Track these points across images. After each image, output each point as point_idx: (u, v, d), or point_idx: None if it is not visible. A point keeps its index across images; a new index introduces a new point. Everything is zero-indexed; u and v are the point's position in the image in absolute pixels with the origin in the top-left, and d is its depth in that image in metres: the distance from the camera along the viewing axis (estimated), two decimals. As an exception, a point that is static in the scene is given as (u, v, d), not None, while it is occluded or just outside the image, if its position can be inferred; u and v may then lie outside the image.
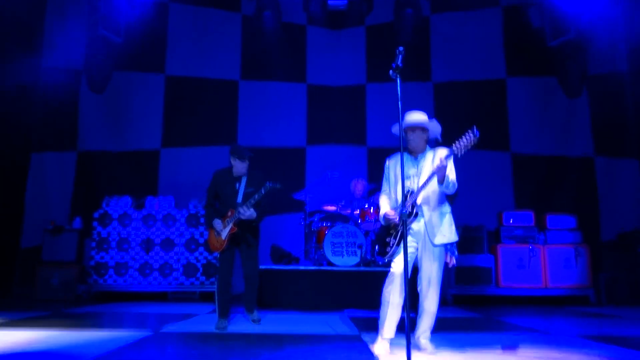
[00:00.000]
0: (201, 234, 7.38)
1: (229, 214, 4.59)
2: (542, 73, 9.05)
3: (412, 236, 3.65)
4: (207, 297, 7.38)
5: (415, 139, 3.69)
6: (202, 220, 7.40)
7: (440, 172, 3.38)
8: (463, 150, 3.29)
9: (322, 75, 9.43)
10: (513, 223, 7.53)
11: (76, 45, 8.40)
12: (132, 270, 7.26)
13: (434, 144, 3.80)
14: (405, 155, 3.76)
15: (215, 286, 4.84)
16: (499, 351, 3.66)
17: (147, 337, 4.15)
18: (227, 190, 4.68)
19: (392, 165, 3.84)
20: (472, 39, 9.23)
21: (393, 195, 3.79)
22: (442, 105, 8.95)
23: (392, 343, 3.59)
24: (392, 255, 3.61)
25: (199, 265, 7.30)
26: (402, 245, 3.49)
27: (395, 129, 3.83)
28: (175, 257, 7.31)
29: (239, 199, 4.62)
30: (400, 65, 3.09)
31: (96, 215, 7.36)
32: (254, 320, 4.91)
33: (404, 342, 2.91)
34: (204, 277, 7.27)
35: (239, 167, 4.67)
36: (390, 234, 3.67)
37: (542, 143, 8.92)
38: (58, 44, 8.36)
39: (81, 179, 8.45)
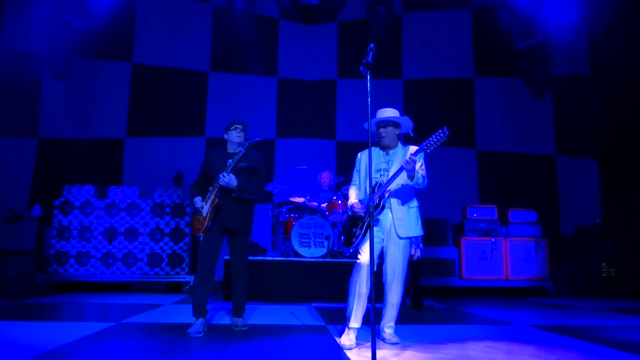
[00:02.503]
0: (167, 224, 7.26)
1: (210, 188, 4.05)
2: (508, 74, 9.32)
3: (378, 228, 3.70)
4: (172, 288, 7.28)
5: (388, 135, 3.75)
6: (167, 210, 7.29)
7: (408, 167, 3.43)
8: (432, 148, 3.38)
9: (294, 69, 9.43)
10: (477, 217, 7.72)
11: (39, 29, 8.12)
12: (94, 259, 7.09)
13: (405, 139, 3.85)
14: (377, 150, 3.83)
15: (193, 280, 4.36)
16: (461, 342, 3.73)
17: (109, 328, 4.05)
18: (219, 164, 4.08)
19: (364, 158, 3.87)
20: (442, 39, 9.41)
21: (363, 187, 3.83)
22: (411, 102, 9.09)
23: (358, 334, 3.62)
24: (358, 246, 3.65)
25: (164, 255, 7.19)
26: (368, 236, 3.55)
27: (367, 125, 3.87)
28: (139, 247, 7.17)
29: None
30: (371, 61, 3.11)
31: (57, 203, 7.15)
32: (235, 326, 4.11)
33: (369, 333, 2.94)
34: (169, 268, 7.16)
35: (232, 137, 4.14)
36: (356, 225, 3.72)
37: (506, 141, 9.20)
38: (20, 27, 8.06)
39: (41, 166, 8.22)
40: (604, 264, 7.55)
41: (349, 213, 3.82)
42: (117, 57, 8.80)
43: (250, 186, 4.06)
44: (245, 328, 4.11)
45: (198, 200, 4.07)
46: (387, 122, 3.76)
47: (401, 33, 9.57)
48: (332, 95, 9.47)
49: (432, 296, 7.15)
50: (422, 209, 3.85)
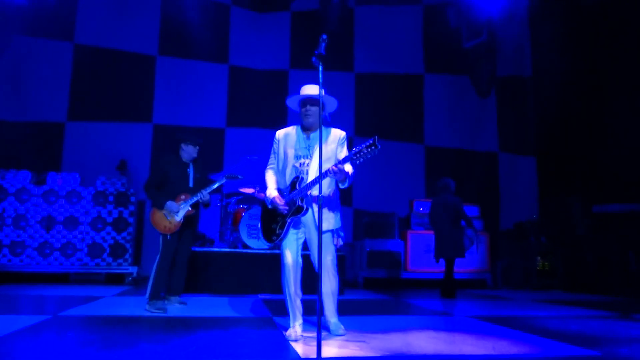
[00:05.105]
0: (109, 213, 6.99)
1: (183, 197, 4.75)
2: (456, 71, 9.59)
3: (301, 225, 3.59)
4: (114, 279, 7.04)
5: (314, 114, 3.51)
6: (110, 198, 7.02)
7: (336, 177, 3.30)
8: (361, 160, 3.15)
9: (245, 57, 9.28)
10: (423, 210, 7.91)
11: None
12: (30, 249, 6.73)
13: (326, 122, 3.60)
14: (298, 131, 3.65)
15: (155, 266, 4.64)
16: (405, 333, 3.83)
17: (45, 320, 3.87)
18: (178, 174, 4.84)
19: (282, 140, 3.67)
20: (394, 34, 9.54)
21: (282, 172, 3.66)
22: (362, 95, 9.15)
23: (305, 326, 3.62)
24: (280, 242, 3.57)
25: (105, 245, 6.92)
26: (289, 234, 3.51)
27: (291, 102, 3.72)
28: (79, 237, 6.87)
29: (191, 183, 4.87)
30: (323, 53, 3.05)
31: (-12, 189, 6.73)
32: (180, 302, 5.01)
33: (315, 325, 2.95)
34: (110, 258, 6.91)
35: (191, 152, 4.88)
36: (275, 221, 3.55)
37: (453, 137, 9.48)
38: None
39: (-28, 150, 7.67)
40: (538, 258, 7.97)
41: (269, 206, 3.63)
42: (57, 36, 8.31)
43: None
44: (185, 303, 4.97)
45: (174, 205, 4.70)
46: (315, 100, 3.50)
47: (354, 26, 9.62)
48: (284, 86, 9.39)
49: (378, 287, 7.29)
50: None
